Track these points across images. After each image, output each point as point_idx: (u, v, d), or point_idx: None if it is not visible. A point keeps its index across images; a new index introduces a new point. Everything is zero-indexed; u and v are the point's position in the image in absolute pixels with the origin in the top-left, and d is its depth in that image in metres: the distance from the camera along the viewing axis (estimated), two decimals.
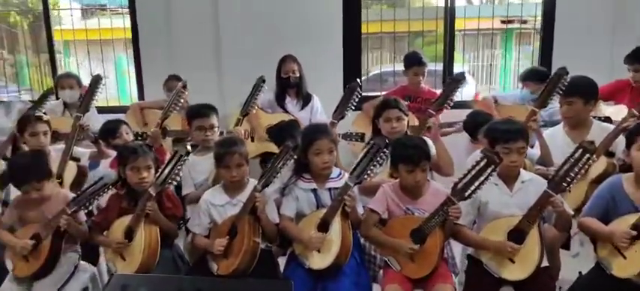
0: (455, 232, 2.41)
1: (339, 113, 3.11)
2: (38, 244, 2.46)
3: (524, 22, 5.37)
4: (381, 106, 2.91)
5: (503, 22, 5.55)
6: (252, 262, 2.44)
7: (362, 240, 2.67)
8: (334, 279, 2.40)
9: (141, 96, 4.77)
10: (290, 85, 3.93)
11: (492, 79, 6.08)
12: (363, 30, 4.58)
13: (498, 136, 2.34)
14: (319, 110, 4.00)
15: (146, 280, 1.30)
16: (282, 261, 2.70)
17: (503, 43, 6.63)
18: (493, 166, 2.17)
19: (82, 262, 2.71)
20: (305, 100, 3.98)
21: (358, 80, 3.15)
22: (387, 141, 2.38)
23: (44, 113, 3.30)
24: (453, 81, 2.90)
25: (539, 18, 4.67)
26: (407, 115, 2.93)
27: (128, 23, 4.72)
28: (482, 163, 2.19)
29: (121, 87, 5.80)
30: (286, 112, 3.93)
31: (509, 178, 2.39)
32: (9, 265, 2.53)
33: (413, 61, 3.90)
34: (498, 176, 2.37)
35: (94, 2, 6.22)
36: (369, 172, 2.37)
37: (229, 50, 4.46)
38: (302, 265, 2.46)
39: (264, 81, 3.36)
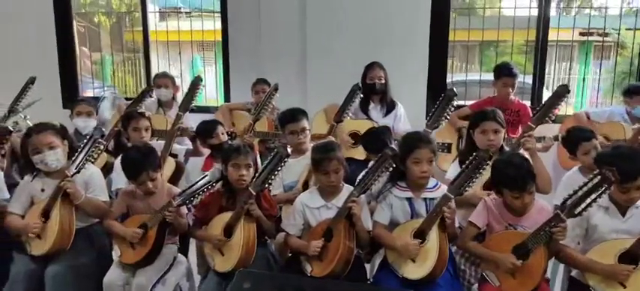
0: (559, 252, 2.32)
1: (434, 121, 3.03)
2: (145, 233, 2.59)
3: (605, 34, 5.12)
4: (477, 117, 2.83)
5: (582, 34, 5.32)
6: (347, 267, 2.45)
7: (453, 252, 2.63)
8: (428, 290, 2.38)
9: (226, 97, 4.94)
10: (375, 92, 3.92)
11: (571, 93, 5.82)
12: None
13: (620, 170, 2.10)
14: (403, 118, 3.98)
15: (266, 277, 1.33)
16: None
17: (581, 56, 6.36)
18: (607, 185, 2.07)
19: (179, 254, 2.84)
20: (389, 107, 3.97)
21: (453, 89, 3.09)
22: (490, 153, 2.33)
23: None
24: (555, 94, 2.80)
25: (622, 31, 4.42)
26: (504, 128, 2.84)
27: (205, 26, 4.86)
28: (595, 181, 2.10)
29: None
30: (369, 118, 3.93)
31: (623, 206, 2.27)
32: (116, 251, 2.68)
33: (503, 72, 3.80)
34: (610, 200, 2.27)
35: (170, 5, 6.51)
36: (470, 184, 2.33)
37: (315, 55, 4.52)
38: (394, 274, 2.45)
39: (360, 88, 3.37)
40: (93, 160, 2.72)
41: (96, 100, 4.35)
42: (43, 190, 2.69)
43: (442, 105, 3.03)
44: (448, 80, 4.72)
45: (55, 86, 5.36)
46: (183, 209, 2.69)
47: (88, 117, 3.67)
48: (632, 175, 2.16)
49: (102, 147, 2.70)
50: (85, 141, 2.67)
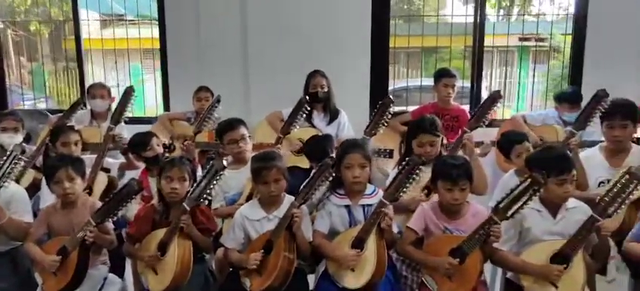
0: (493, 255, 2.36)
1: (372, 129, 3.06)
2: (65, 258, 2.39)
3: (541, 39, 5.34)
4: (414, 129, 2.85)
5: (520, 39, 5.52)
6: (287, 280, 2.40)
7: (394, 258, 2.62)
8: None
9: (166, 107, 4.79)
10: (318, 100, 3.89)
11: (509, 97, 6.03)
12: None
13: (551, 167, 2.24)
14: (346, 126, 3.97)
15: None
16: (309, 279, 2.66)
17: (518, 61, 6.61)
18: (537, 187, 2.13)
19: (110, 274, 2.69)
20: (332, 115, 3.95)
21: (390, 96, 3.12)
22: (423, 159, 2.34)
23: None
24: (489, 99, 2.87)
25: (557, 36, 4.59)
26: (440, 136, 2.86)
27: (145, 33, 4.70)
28: (525, 184, 2.15)
29: (138, 97, 5.84)
30: (313, 126, 3.90)
31: (554, 205, 2.33)
32: (38, 280, 2.50)
33: (443, 73, 3.92)
34: (542, 203, 2.33)
35: (110, 12, 6.28)
36: (404, 189, 2.33)
37: (257, 64, 4.47)
38: (335, 285, 2.41)
39: (307, 101, 3.31)
40: (15, 178, 2.54)
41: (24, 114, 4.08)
42: None
43: (379, 112, 3.06)
44: (390, 87, 4.78)
45: None
46: (110, 225, 2.54)
47: (15, 133, 3.41)
48: (566, 167, 2.25)
49: (22, 164, 2.51)
50: (5, 158, 2.47)
